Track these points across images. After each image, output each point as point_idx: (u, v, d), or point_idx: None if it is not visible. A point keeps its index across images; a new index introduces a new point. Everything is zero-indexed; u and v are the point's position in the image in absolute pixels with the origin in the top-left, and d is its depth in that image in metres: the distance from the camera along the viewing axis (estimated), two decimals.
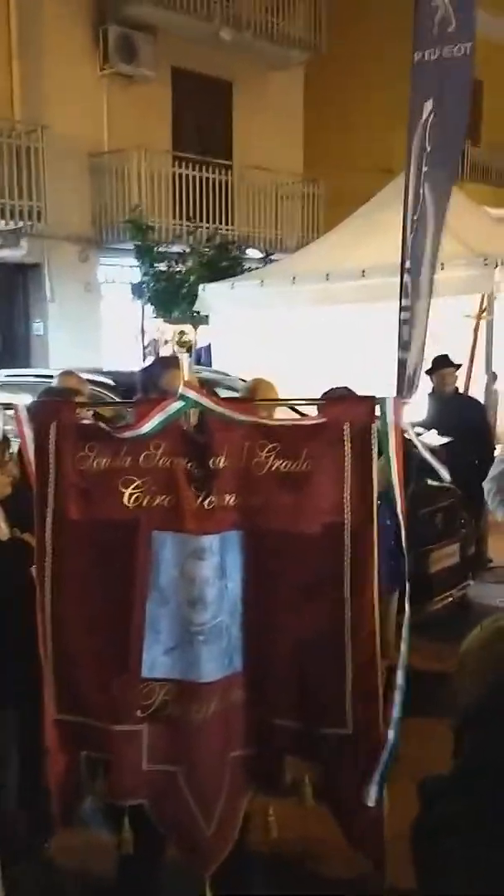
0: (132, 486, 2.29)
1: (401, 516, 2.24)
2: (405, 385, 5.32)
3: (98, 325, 13.75)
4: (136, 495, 2.30)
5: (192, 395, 2.30)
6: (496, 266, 6.78)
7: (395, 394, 4.80)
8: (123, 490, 2.29)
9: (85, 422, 2.39)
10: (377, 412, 2.24)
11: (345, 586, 2.24)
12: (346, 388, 4.19)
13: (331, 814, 2.41)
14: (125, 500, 2.30)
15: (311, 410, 2.79)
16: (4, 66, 12.48)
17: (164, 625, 2.33)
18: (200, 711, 2.30)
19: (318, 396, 3.48)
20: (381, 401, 2.24)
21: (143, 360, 10.93)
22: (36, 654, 2.41)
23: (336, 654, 2.26)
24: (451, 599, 5.55)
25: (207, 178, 14.23)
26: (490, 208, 9.35)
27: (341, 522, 2.24)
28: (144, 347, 11.73)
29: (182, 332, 2.90)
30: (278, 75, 16.09)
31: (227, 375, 6.54)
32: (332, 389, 4.18)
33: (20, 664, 2.82)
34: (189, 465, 2.30)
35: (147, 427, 2.28)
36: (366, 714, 2.27)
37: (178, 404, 2.30)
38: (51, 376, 7.06)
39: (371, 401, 2.26)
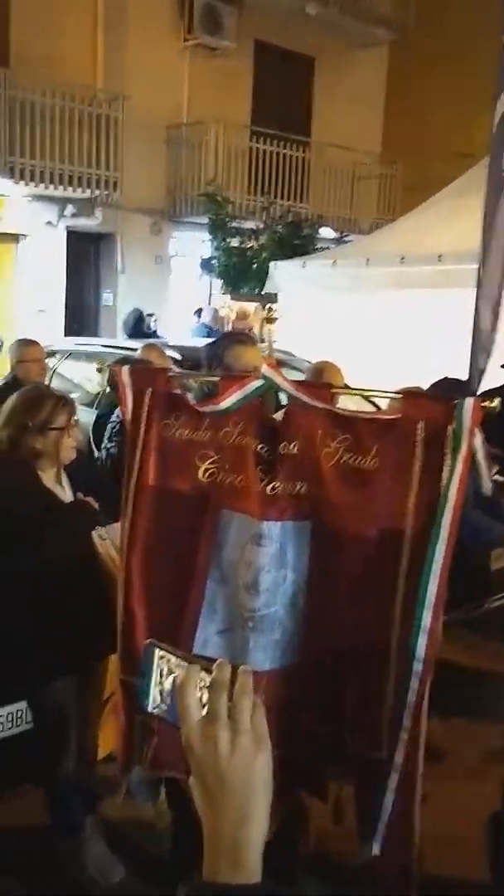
0: (208, 461, 2.28)
1: (450, 526, 2.04)
2: (476, 376, 5.18)
3: (166, 298, 13.79)
4: (210, 470, 2.28)
5: (272, 375, 2.24)
6: None
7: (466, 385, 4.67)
8: (199, 464, 2.28)
9: (175, 391, 2.40)
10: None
11: (396, 603, 2.07)
12: (456, 380, 4.02)
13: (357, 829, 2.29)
14: (199, 473, 2.28)
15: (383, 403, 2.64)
16: (90, 35, 12.52)
17: (221, 605, 2.29)
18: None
19: (427, 386, 3.29)
20: (459, 403, 2.04)
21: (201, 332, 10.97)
22: (94, 621, 2.39)
23: (378, 674, 2.11)
24: None
25: (284, 155, 14.11)
26: None
27: (401, 531, 2.06)
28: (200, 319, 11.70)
29: (270, 308, 2.89)
30: (362, 53, 15.82)
31: (293, 356, 6.47)
32: (443, 380, 4.02)
33: (79, 631, 2.83)
34: (259, 446, 2.22)
35: (226, 403, 2.25)
36: (388, 733, 2.11)
37: (257, 383, 2.25)
38: (119, 346, 7.14)
39: (450, 402, 2.06)
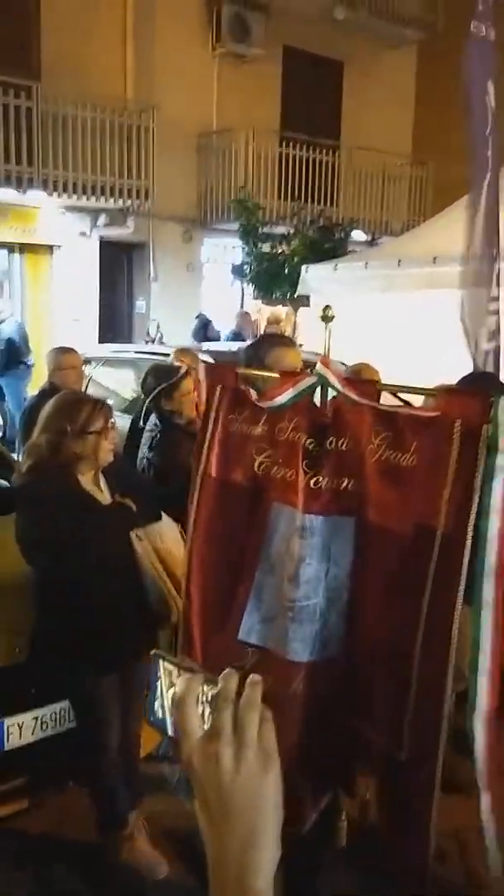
0: (263, 455, 2.38)
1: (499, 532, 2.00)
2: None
3: (199, 304, 13.86)
4: (265, 464, 2.38)
5: (324, 372, 2.28)
6: None
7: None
8: (256, 457, 2.40)
9: (241, 388, 2.50)
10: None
11: (424, 600, 2.05)
12: (487, 373, 4.00)
13: (378, 826, 2.30)
14: (255, 466, 2.39)
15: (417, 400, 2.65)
16: (118, 45, 12.66)
17: (267, 594, 2.35)
18: (286, 688, 2.27)
19: (456, 381, 3.32)
20: (496, 401, 2.00)
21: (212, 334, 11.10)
22: (134, 620, 2.44)
23: (403, 673, 2.10)
24: None
25: (314, 159, 14.12)
26: None
27: (434, 529, 2.05)
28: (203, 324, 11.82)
29: (327, 307, 2.89)
30: (391, 55, 15.78)
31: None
32: (472, 374, 4.01)
33: (119, 630, 2.87)
34: (308, 442, 2.29)
35: (281, 399, 2.34)
36: (422, 745, 2.09)
37: (310, 380, 2.31)
38: (153, 353, 7.21)
39: (487, 399, 2.03)
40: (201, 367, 2.60)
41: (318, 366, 2.30)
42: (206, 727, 0.90)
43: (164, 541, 3.17)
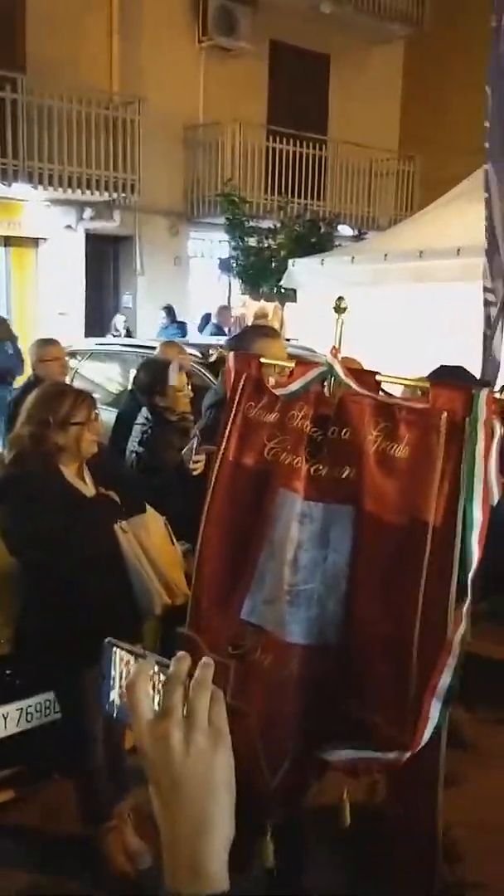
0: (274, 441, 2.45)
1: (480, 517, 2.08)
2: (490, 368, 5.18)
3: (185, 298, 13.83)
4: (274, 450, 2.45)
5: (332, 362, 2.33)
6: None
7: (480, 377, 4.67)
8: (267, 443, 2.47)
9: (261, 377, 2.58)
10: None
11: (420, 591, 2.13)
12: (460, 366, 4.01)
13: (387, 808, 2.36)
14: (265, 452, 2.47)
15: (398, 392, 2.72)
16: (105, 38, 12.61)
17: (269, 577, 2.41)
18: (283, 668, 2.33)
19: (426, 375, 3.37)
20: (476, 394, 2.09)
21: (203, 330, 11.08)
22: (119, 611, 2.45)
23: (403, 661, 2.17)
24: None
25: (301, 153, 14.12)
26: None
27: (426, 521, 2.14)
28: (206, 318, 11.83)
29: (340, 298, 2.90)
30: (377, 50, 15.80)
31: (314, 352, 6.48)
32: (442, 367, 4.01)
33: (105, 622, 2.86)
34: (313, 430, 2.36)
35: (293, 386, 2.42)
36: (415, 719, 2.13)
37: (319, 369, 2.37)
38: (139, 346, 7.20)
39: (469, 391, 2.13)
40: (230, 357, 2.69)
41: (328, 355, 2.36)
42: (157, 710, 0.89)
43: (149, 534, 3.17)
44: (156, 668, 0.91)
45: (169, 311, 12.04)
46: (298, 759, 2.35)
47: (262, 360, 2.63)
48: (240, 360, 2.68)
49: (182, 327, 11.73)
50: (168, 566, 3.16)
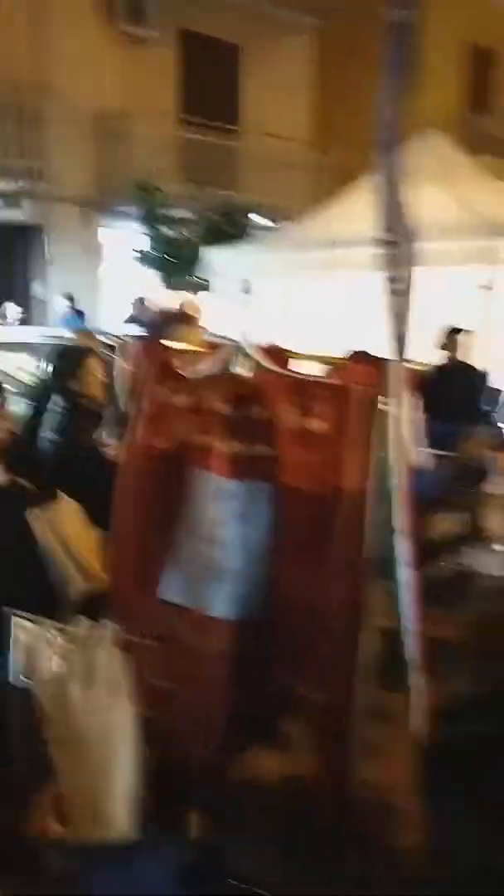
0: (186, 423, 2.50)
1: (406, 484, 2.20)
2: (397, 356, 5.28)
3: (98, 288, 13.67)
4: (187, 431, 2.50)
5: (242, 343, 2.40)
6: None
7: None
8: (179, 425, 2.51)
9: (169, 361, 2.62)
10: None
11: (336, 556, 2.25)
12: (364, 352, 4.14)
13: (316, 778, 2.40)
14: (178, 433, 2.51)
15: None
16: (8, 23, 12.27)
17: (190, 556, 2.47)
18: (208, 645, 2.39)
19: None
20: (389, 366, 2.22)
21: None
22: (36, 597, 2.41)
23: (322, 626, 2.27)
24: (447, 565, 5.53)
25: (214, 143, 14.07)
26: None
27: (341, 489, 2.24)
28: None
29: (247, 280, 2.92)
30: (288, 40, 15.85)
31: (233, 341, 6.49)
32: (355, 353, 4.12)
33: (22, 607, 2.81)
34: (227, 410, 2.41)
35: (202, 369, 2.47)
36: (342, 691, 2.26)
37: (230, 350, 2.43)
38: (50, 336, 7.07)
39: (381, 365, 2.25)
40: (135, 343, 2.72)
41: (239, 335, 2.43)
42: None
43: (64, 520, 3.12)
44: (54, 633, 0.91)
45: (69, 298, 11.83)
46: (228, 733, 2.41)
47: (169, 344, 2.69)
48: (145, 346, 2.72)
49: (82, 316, 11.56)
50: (84, 552, 3.12)
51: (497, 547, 6.13)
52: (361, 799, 2.28)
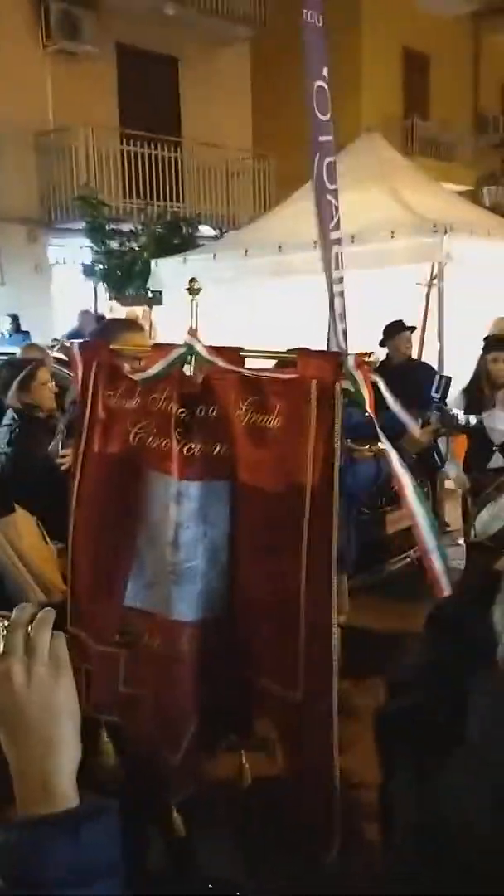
0: (137, 426, 2.45)
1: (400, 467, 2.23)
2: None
3: (49, 305, 13.60)
4: (140, 435, 2.45)
5: (192, 342, 2.35)
6: (445, 233, 6.83)
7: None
8: (131, 429, 2.46)
9: (116, 364, 2.57)
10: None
11: (302, 551, 2.19)
12: (310, 349, 4.18)
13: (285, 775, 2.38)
14: (130, 438, 2.46)
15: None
16: None
17: (149, 560, 2.43)
18: (173, 648, 2.35)
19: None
20: (344, 360, 2.16)
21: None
22: None
23: (290, 622, 2.22)
24: (408, 560, 5.62)
25: (156, 155, 14.12)
26: (444, 184, 9.43)
27: (303, 484, 2.18)
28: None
29: (193, 280, 2.90)
30: (224, 51, 15.98)
31: (183, 344, 6.51)
32: (300, 349, 4.17)
33: None
34: (180, 411, 2.36)
35: (152, 371, 2.41)
36: (316, 681, 2.21)
37: (179, 350, 2.37)
38: (2, 353, 7.03)
39: (337, 358, 2.20)
40: (74, 346, 2.66)
41: (186, 337, 2.37)
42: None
43: (20, 533, 3.13)
44: None
45: (14, 319, 11.76)
46: (197, 734, 2.39)
47: (113, 346, 2.63)
48: (87, 349, 2.67)
49: (26, 335, 11.49)
50: (42, 564, 3.13)
51: (456, 539, 6.25)
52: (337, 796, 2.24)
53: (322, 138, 5.35)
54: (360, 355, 2.21)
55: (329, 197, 5.34)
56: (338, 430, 2.15)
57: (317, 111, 5.26)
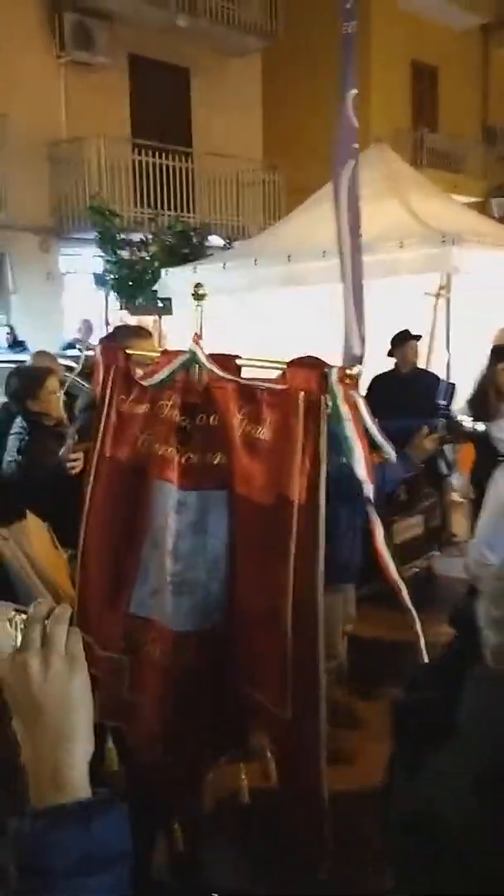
0: (146, 433, 2.46)
1: (368, 487, 2.12)
2: (349, 363, 5.41)
3: (61, 314, 13.68)
4: (147, 441, 2.45)
5: (195, 348, 2.33)
6: (454, 244, 6.85)
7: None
8: (139, 435, 2.47)
9: (129, 369, 2.57)
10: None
11: (289, 566, 2.13)
12: (306, 357, 4.18)
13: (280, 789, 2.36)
14: (139, 443, 2.47)
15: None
16: None
17: (153, 568, 2.41)
18: (173, 658, 2.34)
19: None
20: (328, 372, 2.08)
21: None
22: None
23: (280, 637, 2.17)
24: (415, 570, 5.63)
25: (167, 165, 14.20)
26: (453, 195, 9.46)
27: (291, 499, 2.13)
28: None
29: (199, 285, 2.90)
30: (236, 62, 16.07)
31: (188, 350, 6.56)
32: (295, 358, 4.17)
33: None
34: (181, 419, 2.36)
35: (159, 376, 2.41)
36: (303, 700, 2.16)
37: (182, 357, 2.36)
38: (10, 361, 7.09)
39: (322, 368, 2.12)
40: (97, 349, 2.69)
41: (190, 343, 2.36)
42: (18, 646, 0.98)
43: (31, 540, 3.14)
44: (13, 612, 0.99)
45: (10, 328, 11.79)
46: (197, 745, 2.38)
47: (129, 351, 2.62)
48: (107, 353, 2.67)
49: (23, 347, 11.51)
50: (53, 571, 3.15)
51: (462, 549, 6.23)
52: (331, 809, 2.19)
53: (354, 145, 5.44)
54: (342, 369, 2.13)
55: (359, 203, 5.46)
56: (324, 443, 2.08)
57: (353, 118, 5.34)
